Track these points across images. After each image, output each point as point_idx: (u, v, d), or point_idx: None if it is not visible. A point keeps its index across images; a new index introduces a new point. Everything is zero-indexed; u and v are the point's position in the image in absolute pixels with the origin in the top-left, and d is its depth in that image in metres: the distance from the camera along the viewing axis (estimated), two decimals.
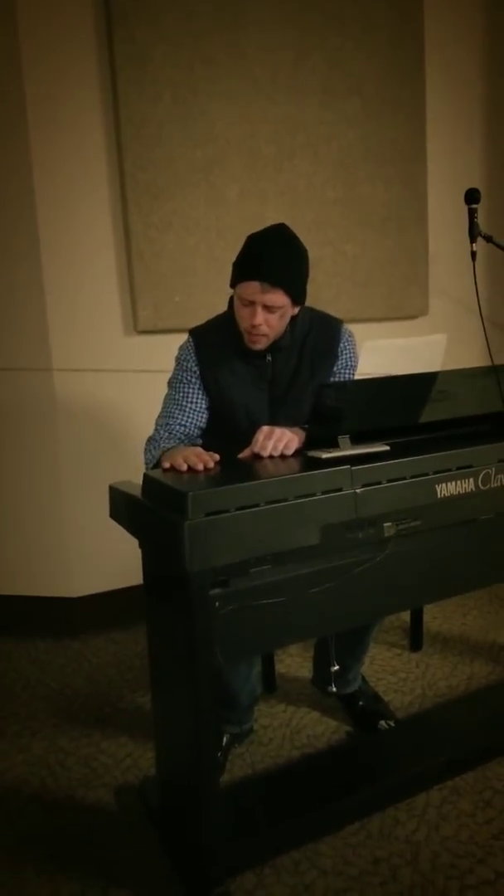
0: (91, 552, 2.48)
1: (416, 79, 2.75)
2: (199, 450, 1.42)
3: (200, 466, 1.35)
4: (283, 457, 1.43)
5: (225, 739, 1.75)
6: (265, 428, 1.47)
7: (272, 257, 1.53)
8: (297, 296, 1.59)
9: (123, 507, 1.41)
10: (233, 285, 1.60)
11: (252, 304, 1.55)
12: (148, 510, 1.30)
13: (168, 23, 2.31)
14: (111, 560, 2.45)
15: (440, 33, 2.84)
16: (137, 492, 1.35)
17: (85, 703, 2.06)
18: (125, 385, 2.45)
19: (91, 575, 2.50)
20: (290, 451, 1.44)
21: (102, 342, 2.42)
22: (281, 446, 1.43)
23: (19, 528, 2.51)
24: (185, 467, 1.35)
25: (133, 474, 1.52)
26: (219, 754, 1.70)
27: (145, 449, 1.66)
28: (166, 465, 1.39)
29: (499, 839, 1.47)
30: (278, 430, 1.46)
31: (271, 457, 1.43)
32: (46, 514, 2.48)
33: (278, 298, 1.54)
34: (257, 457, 1.44)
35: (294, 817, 1.48)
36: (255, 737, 1.84)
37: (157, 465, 1.55)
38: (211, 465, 1.37)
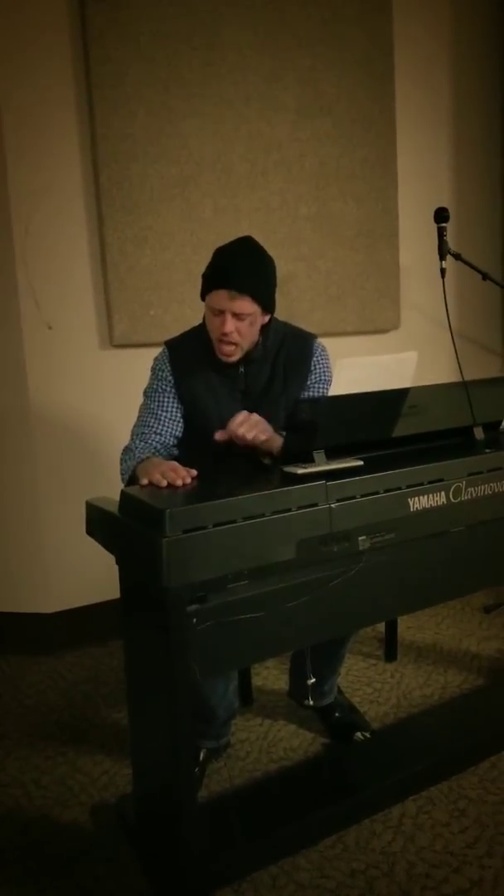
0: (66, 567, 2.46)
1: (387, 98, 2.82)
2: (176, 465, 1.43)
3: (179, 482, 1.36)
4: (256, 456, 1.51)
5: (202, 754, 1.74)
6: (244, 412, 1.54)
7: (239, 266, 1.58)
8: (266, 303, 1.63)
9: (100, 524, 1.41)
10: (203, 297, 1.63)
11: (222, 312, 1.58)
12: (125, 527, 1.31)
13: (144, 43, 2.34)
14: (86, 575, 2.43)
15: (409, 53, 2.91)
16: (114, 508, 1.35)
17: (60, 721, 2.04)
18: (101, 399, 2.44)
19: (66, 590, 2.48)
20: (262, 438, 1.52)
21: (78, 356, 2.42)
22: (255, 431, 1.51)
23: None
24: (164, 483, 1.36)
25: (109, 489, 1.53)
26: (195, 770, 1.69)
27: (121, 459, 1.66)
28: (144, 481, 1.40)
29: (473, 848, 1.49)
30: (255, 416, 1.53)
31: (244, 446, 1.52)
32: (21, 529, 2.46)
33: (247, 306, 1.58)
34: (231, 442, 1.53)
35: (271, 832, 1.48)
36: (232, 751, 1.84)
37: (133, 475, 1.56)
38: (189, 480, 1.38)
